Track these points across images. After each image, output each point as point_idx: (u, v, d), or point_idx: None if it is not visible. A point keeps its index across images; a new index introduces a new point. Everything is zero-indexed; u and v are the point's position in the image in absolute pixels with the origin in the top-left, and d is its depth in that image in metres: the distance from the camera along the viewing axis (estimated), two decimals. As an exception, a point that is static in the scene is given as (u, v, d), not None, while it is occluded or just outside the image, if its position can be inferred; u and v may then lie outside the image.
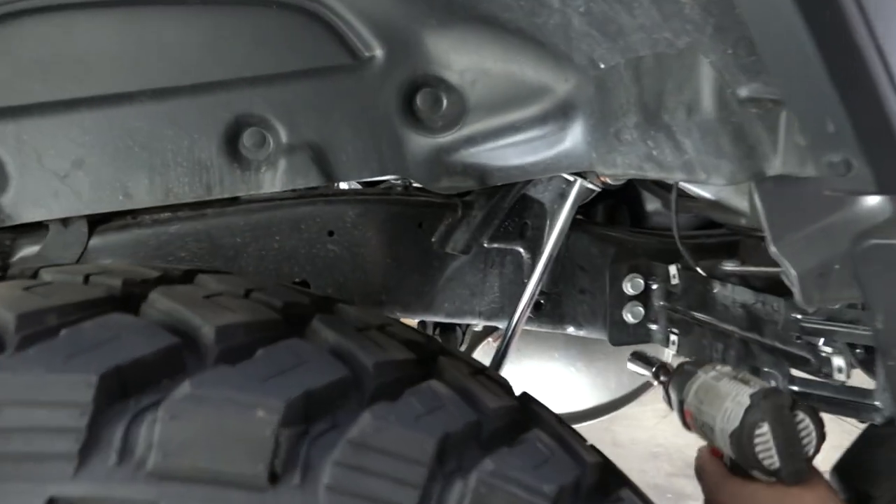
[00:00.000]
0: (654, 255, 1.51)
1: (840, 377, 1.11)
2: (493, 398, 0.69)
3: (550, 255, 1.30)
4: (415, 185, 1.32)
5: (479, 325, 1.62)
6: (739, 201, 1.44)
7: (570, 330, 1.50)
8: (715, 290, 1.35)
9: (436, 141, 1.15)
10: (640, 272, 1.48)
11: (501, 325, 1.43)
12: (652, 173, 1.03)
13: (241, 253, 1.19)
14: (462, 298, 1.36)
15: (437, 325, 1.57)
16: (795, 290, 0.97)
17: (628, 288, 1.48)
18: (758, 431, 0.87)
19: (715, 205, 1.48)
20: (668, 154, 0.97)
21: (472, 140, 1.15)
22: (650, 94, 0.95)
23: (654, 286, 1.48)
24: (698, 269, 1.39)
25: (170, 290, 0.70)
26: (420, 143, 1.15)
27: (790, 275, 0.97)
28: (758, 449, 0.86)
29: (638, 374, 1.37)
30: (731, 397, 0.91)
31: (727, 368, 1.03)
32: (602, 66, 1.03)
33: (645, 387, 1.93)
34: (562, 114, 1.10)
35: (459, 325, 1.62)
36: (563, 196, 1.37)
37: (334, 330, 0.69)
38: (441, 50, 1.11)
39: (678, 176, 0.99)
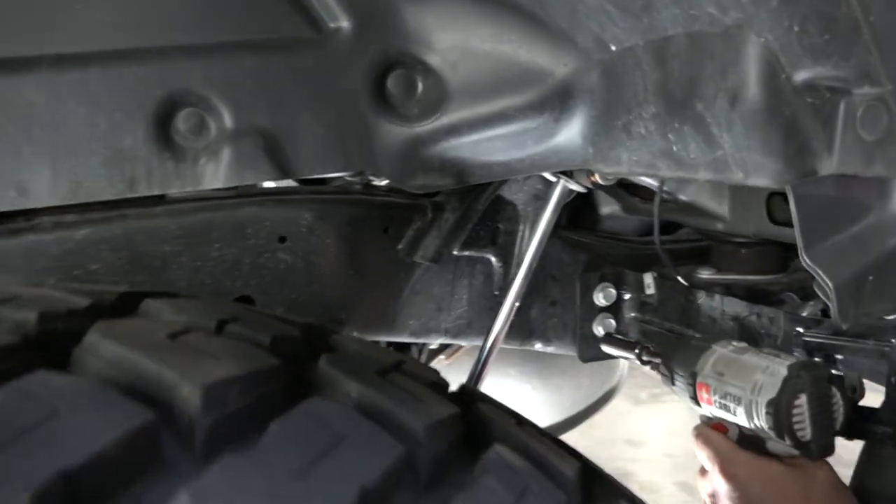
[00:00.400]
0: (627, 263, 1.39)
1: (853, 398, 1.02)
2: (565, 465, 0.52)
3: (531, 264, 1.15)
4: (375, 181, 1.14)
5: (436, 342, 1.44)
6: (718, 205, 1.35)
7: (538, 346, 1.36)
8: (699, 301, 1.24)
9: (411, 131, 0.98)
10: (612, 281, 1.35)
11: (466, 342, 1.26)
12: (666, 171, 0.90)
13: (170, 264, 0.97)
14: (428, 314, 1.19)
15: (388, 344, 1.37)
16: (832, 304, 0.87)
17: (599, 298, 1.35)
18: (796, 402, 0.87)
19: (690, 208, 1.38)
20: (694, 150, 0.84)
21: (452, 131, 0.98)
22: (678, 81, 0.82)
23: (627, 296, 1.36)
24: (679, 279, 1.28)
25: (113, 326, 0.49)
26: (392, 133, 0.97)
27: (826, 288, 0.86)
28: (794, 419, 0.87)
29: (620, 357, 1.29)
30: (762, 369, 0.91)
31: (743, 344, 1.02)
32: (613, 48, 0.89)
33: (603, 401, 1.82)
34: (559, 102, 0.95)
35: (416, 343, 1.44)
36: (538, 197, 1.23)
37: (354, 378, 0.50)
38: (421, 25, 0.94)
39: (702, 175, 0.86)
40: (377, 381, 0.52)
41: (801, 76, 0.71)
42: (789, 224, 1.24)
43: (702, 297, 1.23)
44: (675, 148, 0.86)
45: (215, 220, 0.98)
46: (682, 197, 1.35)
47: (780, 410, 0.87)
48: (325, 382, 0.51)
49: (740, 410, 0.92)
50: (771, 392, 0.88)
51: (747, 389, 0.91)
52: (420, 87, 0.96)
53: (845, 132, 0.73)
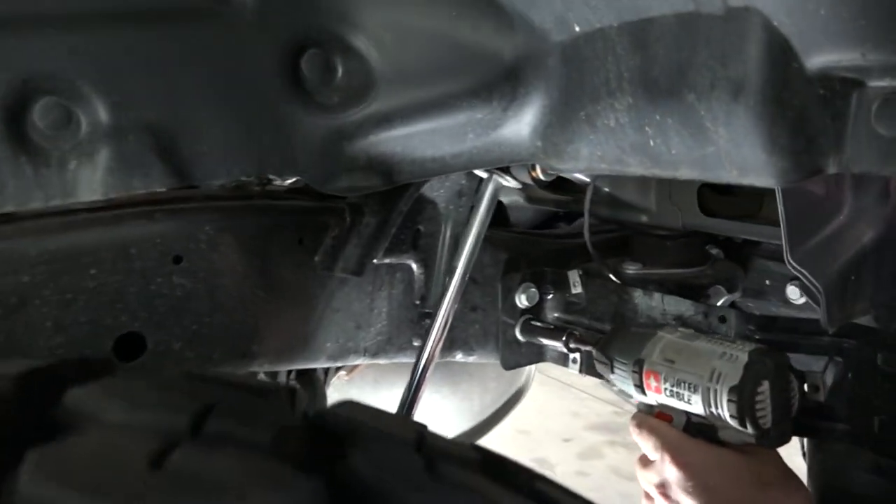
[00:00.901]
0: (546, 261, 1.29)
1: (816, 397, 0.98)
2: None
3: (466, 270, 1.02)
4: (277, 181, 0.96)
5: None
6: (643, 197, 1.28)
7: (459, 356, 1.23)
8: (636, 300, 1.16)
9: (332, 123, 0.82)
10: (534, 281, 1.25)
11: (386, 360, 1.11)
12: (637, 169, 0.80)
13: (30, 300, 0.75)
14: (347, 334, 1.02)
15: (299, 373, 1.18)
16: (820, 307, 0.80)
17: (522, 300, 1.24)
18: (759, 389, 0.86)
19: (612, 200, 1.30)
20: (678, 145, 0.74)
21: (382, 123, 0.83)
22: (664, 68, 0.71)
23: (550, 296, 1.26)
24: (611, 276, 1.20)
25: (49, 456, 0.31)
26: (311, 126, 0.81)
27: (814, 290, 0.80)
28: (756, 406, 0.85)
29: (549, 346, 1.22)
30: (719, 356, 0.89)
31: (689, 330, 1.00)
32: (577, 28, 0.77)
33: (512, 402, 1.73)
34: (509, 90, 0.83)
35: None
36: (461, 194, 1.10)
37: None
38: None
39: (683, 173, 0.76)
40: None
41: (815, 64, 0.63)
42: (721, 216, 1.20)
43: (638, 296, 1.15)
44: (652, 142, 0.76)
45: (88, 240, 0.77)
46: (606, 189, 1.27)
47: (743, 397, 0.85)
48: None
49: (696, 398, 0.90)
50: (733, 379, 0.86)
51: (705, 377, 0.89)
52: (340, 70, 0.80)
53: (857, 127, 0.65)
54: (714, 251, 1.32)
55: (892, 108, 0.63)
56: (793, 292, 1.29)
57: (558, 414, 5.16)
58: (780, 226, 1.14)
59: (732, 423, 0.86)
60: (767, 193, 1.16)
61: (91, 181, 0.69)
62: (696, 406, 0.90)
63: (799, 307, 1.28)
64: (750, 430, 0.85)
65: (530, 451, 4.57)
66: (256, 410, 0.45)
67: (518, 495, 0.47)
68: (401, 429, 0.52)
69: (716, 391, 0.87)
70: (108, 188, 0.70)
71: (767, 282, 1.32)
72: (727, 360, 0.88)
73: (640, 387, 0.97)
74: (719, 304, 1.28)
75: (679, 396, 0.92)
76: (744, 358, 0.87)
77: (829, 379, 0.95)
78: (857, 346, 0.94)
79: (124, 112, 0.70)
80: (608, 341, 1.05)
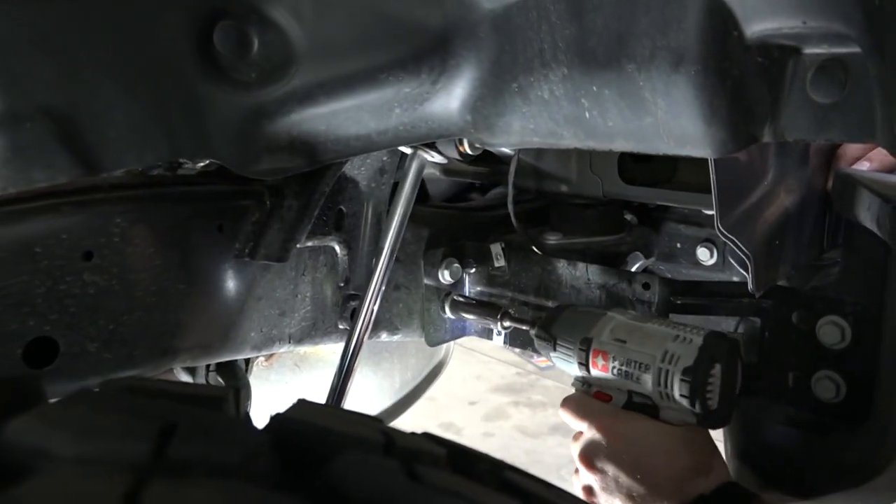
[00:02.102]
0: (466, 235, 1.28)
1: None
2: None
3: (393, 248, 0.98)
4: (187, 165, 0.90)
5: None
6: (563, 167, 1.28)
7: (384, 337, 1.20)
8: (559, 271, 1.16)
9: (251, 101, 0.76)
10: (457, 256, 1.23)
11: (311, 345, 1.07)
12: (571, 141, 0.79)
13: (-81, 308, 0.66)
14: (271, 322, 0.97)
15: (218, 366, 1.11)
16: (749, 273, 0.82)
17: (445, 276, 1.22)
18: (712, 371, 0.88)
19: (532, 170, 1.30)
20: (615, 116, 0.73)
21: (305, 99, 0.79)
22: (602, 38, 0.70)
23: (472, 270, 1.25)
24: (535, 249, 1.20)
25: None
26: (228, 104, 0.75)
27: (744, 257, 0.82)
28: (707, 388, 0.87)
29: (478, 322, 1.22)
30: (673, 338, 0.91)
31: (635, 312, 1.03)
32: None
33: (431, 378, 1.72)
34: (438, 62, 0.79)
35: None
36: (383, 171, 1.06)
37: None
38: None
39: (618, 145, 0.76)
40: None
41: (755, 33, 0.63)
42: (640, 183, 1.21)
43: (562, 266, 1.16)
44: (588, 115, 0.75)
45: (-15, 239, 0.69)
46: (527, 159, 1.26)
47: (696, 378, 0.87)
48: None
49: (646, 377, 0.92)
50: (687, 360, 0.88)
51: (657, 357, 0.90)
52: (256, 44, 0.75)
53: (792, 94, 0.66)
54: (628, 217, 1.34)
55: (827, 74, 0.64)
56: (703, 254, 1.33)
57: (463, 378, 5.24)
58: (693, 190, 1.18)
59: (682, 401, 0.88)
60: (681, 159, 1.18)
61: (-16, 175, 0.62)
62: (644, 385, 0.92)
63: (708, 268, 1.32)
64: (698, 409, 0.88)
65: (438, 417, 4.62)
66: (217, 427, 0.41)
67: (501, 494, 0.45)
68: (367, 431, 0.49)
69: (668, 371, 0.89)
70: (6, 182, 0.62)
71: (678, 245, 1.36)
72: (681, 342, 0.90)
73: (584, 364, 0.98)
74: (635, 268, 1.31)
75: (628, 375, 0.93)
76: (698, 341, 0.89)
77: (742, 338, 0.99)
78: (774, 306, 0.98)
79: (17, 97, 0.63)
80: (550, 320, 1.04)
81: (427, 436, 0.58)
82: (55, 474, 0.31)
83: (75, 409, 0.39)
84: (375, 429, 0.51)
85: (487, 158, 1.29)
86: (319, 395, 1.24)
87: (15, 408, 0.39)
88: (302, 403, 0.53)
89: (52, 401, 0.43)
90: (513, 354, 5.47)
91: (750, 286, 0.83)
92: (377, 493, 0.39)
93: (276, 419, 0.48)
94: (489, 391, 5.19)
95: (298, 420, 0.48)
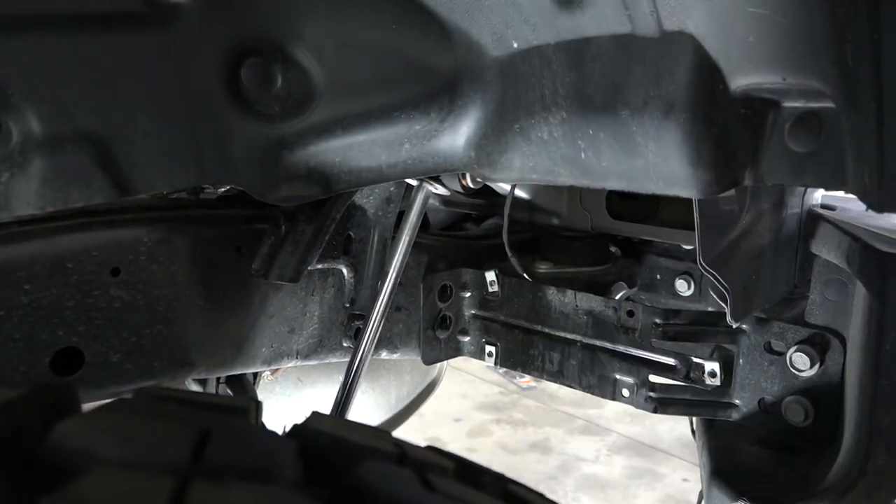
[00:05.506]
0: (464, 262, 1.29)
1: (713, 381, 1.02)
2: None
3: (398, 273, 0.99)
4: (209, 190, 0.90)
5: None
6: (554, 201, 1.30)
7: (384, 355, 1.21)
8: (549, 297, 1.17)
9: (273, 133, 0.77)
10: (453, 281, 1.24)
11: (317, 361, 1.07)
12: (567, 179, 0.80)
13: (-43, 317, 0.67)
14: (281, 338, 0.98)
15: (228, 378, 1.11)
16: (728, 305, 0.84)
17: (441, 300, 1.23)
18: None
19: (526, 204, 1.31)
20: (609, 158, 0.75)
21: (323, 133, 0.80)
22: (599, 85, 0.72)
23: (467, 295, 1.26)
24: (525, 276, 1.21)
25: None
26: (252, 135, 0.76)
27: (724, 291, 0.83)
28: None
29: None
30: None
31: None
32: (515, 45, 0.77)
33: (426, 394, 1.72)
34: (447, 102, 0.81)
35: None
36: (389, 201, 1.07)
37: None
38: (285, 7, 0.74)
39: (611, 184, 0.77)
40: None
41: (740, 86, 0.65)
42: (625, 218, 1.23)
43: (552, 293, 1.17)
44: (583, 155, 0.76)
45: (22, 254, 0.69)
46: (521, 193, 1.28)
47: None
48: None
49: None
50: None
51: None
52: (280, 80, 0.76)
53: (772, 143, 0.68)
54: (613, 249, 1.36)
55: (804, 126, 0.66)
56: (681, 285, 1.35)
57: (449, 396, 5.21)
58: (674, 227, 1.19)
59: None
60: (663, 198, 1.20)
61: (26, 194, 0.62)
62: None
63: (686, 298, 1.34)
64: None
65: (425, 432, 4.59)
66: (247, 434, 0.42)
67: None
68: (381, 442, 0.50)
69: None
70: (46, 201, 0.63)
71: (658, 276, 1.37)
72: None
73: None
74: (618, 297, 1.32)
75: None
76: None
77: (717, 363, 1.00)
78: (749, 334, 0.99)
79: (60, 122, 0.63)
80: None
81: (432, 449, 0.58)
82: (105, 474, 0.31)
83: (116, 415, 0.40)
84: (388, 440, 0.52)
85: (483, 191, 1.31)
86: (322, 409, 1.24)
87: (56, 413, 0.40)
88: (317, 416, 0.53)
89: (88, 407, 0.44)
90: (496, 374, 5.46)
91: (728, 317, 0.84)
92: (397, 500, 0.39)
93: (297, 429, 0.49)
94: (473, 409, 5.17)
95: (318, 430, 0.49)
